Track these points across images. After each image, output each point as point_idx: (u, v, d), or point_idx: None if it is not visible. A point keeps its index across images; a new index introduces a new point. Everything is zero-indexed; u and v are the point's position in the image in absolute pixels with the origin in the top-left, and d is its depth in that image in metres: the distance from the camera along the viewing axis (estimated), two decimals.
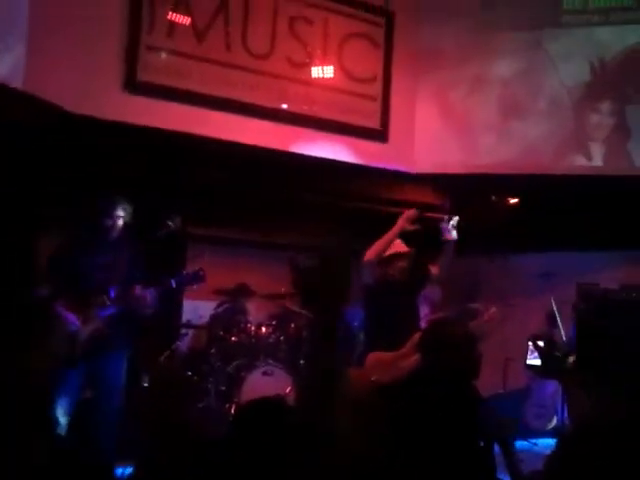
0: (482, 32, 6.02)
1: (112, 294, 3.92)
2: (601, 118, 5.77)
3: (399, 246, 4.34)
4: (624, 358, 3.83)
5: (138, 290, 3.99)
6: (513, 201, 6.41)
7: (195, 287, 4.34)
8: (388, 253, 4.28)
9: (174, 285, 4.11)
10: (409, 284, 4.32)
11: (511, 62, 5.99)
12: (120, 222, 3.98)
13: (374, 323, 4.31)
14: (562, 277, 5.71)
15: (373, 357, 3.80)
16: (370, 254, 4.22)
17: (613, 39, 5.79)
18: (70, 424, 3.75)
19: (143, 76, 4.99)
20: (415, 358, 2.35)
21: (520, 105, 5.98)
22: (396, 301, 4.22)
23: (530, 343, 2.87)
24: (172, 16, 5.08)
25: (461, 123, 6.11)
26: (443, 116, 6.14)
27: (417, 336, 2.41)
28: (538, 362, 2.65)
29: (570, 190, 5.83)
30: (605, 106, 5.77)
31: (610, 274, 5.81)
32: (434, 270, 4.41)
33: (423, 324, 5.84)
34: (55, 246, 4.00)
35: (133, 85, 4.96)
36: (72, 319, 3.81)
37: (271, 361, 5.37)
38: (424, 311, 6.14)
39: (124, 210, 4.00)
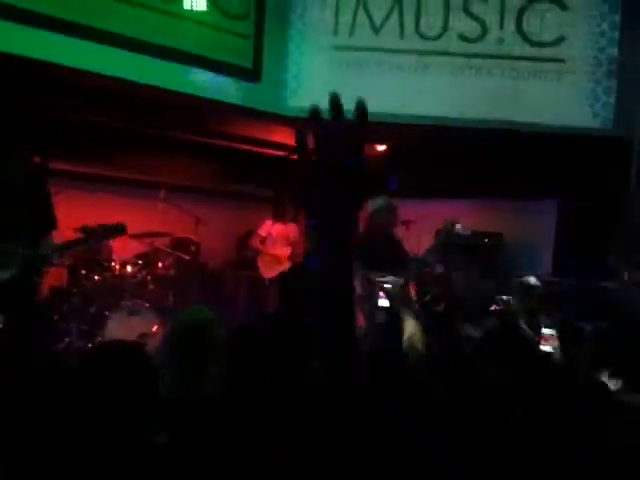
0: None
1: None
2: None
3: None
4: None
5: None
6: (381, 148, 6.61)
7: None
8: None
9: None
10: None
11: None
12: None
13: None
14: (423, 224, 5.99)
15: None
16: None
17: None
18: None
19: None
20: None
21: None
22: None
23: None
24: None
25: (335, 66, 6.13)
26: (318, 57, 6.12)
27: None
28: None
29: (434, 140, 6.09)
30: None
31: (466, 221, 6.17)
32: None
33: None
34: None
35: None
36: None
37: (137, 300, 5.34)
38: (287, 251, 6.35)
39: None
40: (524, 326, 3.74)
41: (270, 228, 6.46)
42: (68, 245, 4.00)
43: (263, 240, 6.44)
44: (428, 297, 5.31)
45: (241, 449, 1.84)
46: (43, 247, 3.80)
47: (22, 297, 3.66)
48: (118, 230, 4.10)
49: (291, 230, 6.48)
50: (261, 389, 2.20)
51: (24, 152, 3.86)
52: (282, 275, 6.24)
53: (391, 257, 5.37)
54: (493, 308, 4.18)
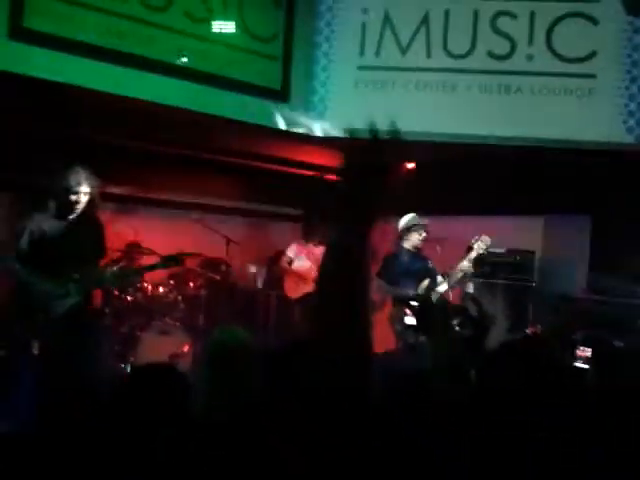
0: None
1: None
2: None
3: None
4: None
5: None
6: (410, 166, 6.57)
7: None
8: None
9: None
10: None
11: None
12: (86, 197, 3.92)
13: None
14: (455, 241, 5.91)
15: None
16: None
17: None
18: None
19: (30, 23, 4.71)
20: None
21: None
22: None
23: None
24: None
25: (362, 86, 6.11)
26: (345, 78, 6.11)
27: None
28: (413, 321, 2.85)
29: (464, 158, 6.04)
30: None
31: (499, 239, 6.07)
32: None
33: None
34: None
35: (19, 32, 4.68)
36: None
37: (168, 320, 5.38)
38: (314, 272, 6.30)
39: (91, 184, 3.93)
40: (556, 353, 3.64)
41: (299, 249, 6.46)
42: (128, 273, 4.15)
43: (291, 261, 6.43)
44: (457, 320, 5.22)
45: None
46: (101, 274, 3.94)
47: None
48: (174, 261, 4.27)
49: (321, 252, 6.44)
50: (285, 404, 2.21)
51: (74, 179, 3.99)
52: (308, 296, 6.22)
53: (418, 274, 5.33)
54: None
